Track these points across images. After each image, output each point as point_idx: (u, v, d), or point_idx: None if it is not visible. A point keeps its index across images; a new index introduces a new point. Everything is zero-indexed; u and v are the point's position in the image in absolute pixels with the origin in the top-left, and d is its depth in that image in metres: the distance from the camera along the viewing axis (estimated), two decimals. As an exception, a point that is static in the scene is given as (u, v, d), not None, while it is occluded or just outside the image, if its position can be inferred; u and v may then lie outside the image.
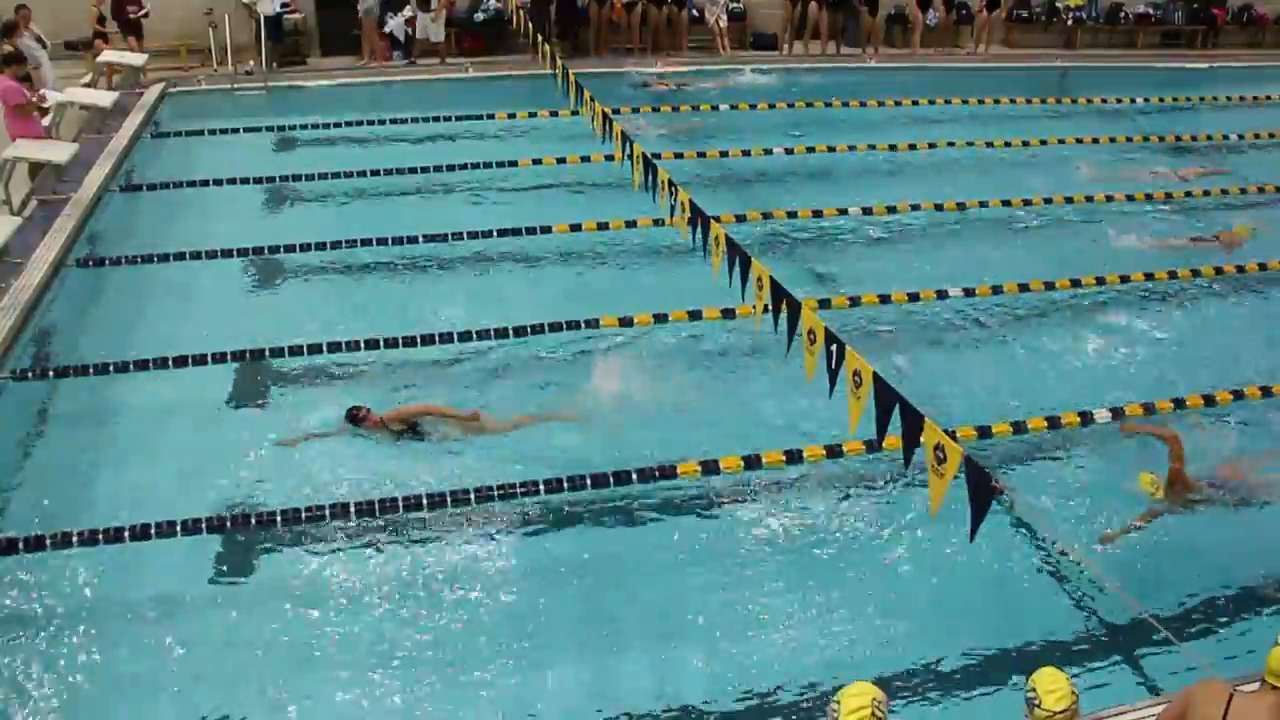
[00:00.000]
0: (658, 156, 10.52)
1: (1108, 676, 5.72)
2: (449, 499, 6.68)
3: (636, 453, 7.25)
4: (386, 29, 17.33)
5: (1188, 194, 12.78)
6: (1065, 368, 9.01)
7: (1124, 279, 10.32)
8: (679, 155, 12.91)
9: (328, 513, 6.55)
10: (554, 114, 13.66)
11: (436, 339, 8.67)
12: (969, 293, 9.79)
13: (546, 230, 10.72)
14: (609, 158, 11.27)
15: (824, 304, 9.37)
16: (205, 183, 11.83)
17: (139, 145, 13.18)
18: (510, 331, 8.77)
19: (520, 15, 16.00)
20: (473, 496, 6.70)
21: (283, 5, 17.26)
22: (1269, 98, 17.48)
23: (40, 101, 11.98)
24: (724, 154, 13.39)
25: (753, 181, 12.90)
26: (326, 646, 5.83)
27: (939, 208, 11.92)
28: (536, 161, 12.56)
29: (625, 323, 8.93)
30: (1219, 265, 10.70)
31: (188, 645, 5.81)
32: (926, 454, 4.84)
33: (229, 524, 6.55)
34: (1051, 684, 3.97)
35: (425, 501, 6.66)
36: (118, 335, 8.85)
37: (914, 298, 9.67)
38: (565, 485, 6.83)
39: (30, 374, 8.11)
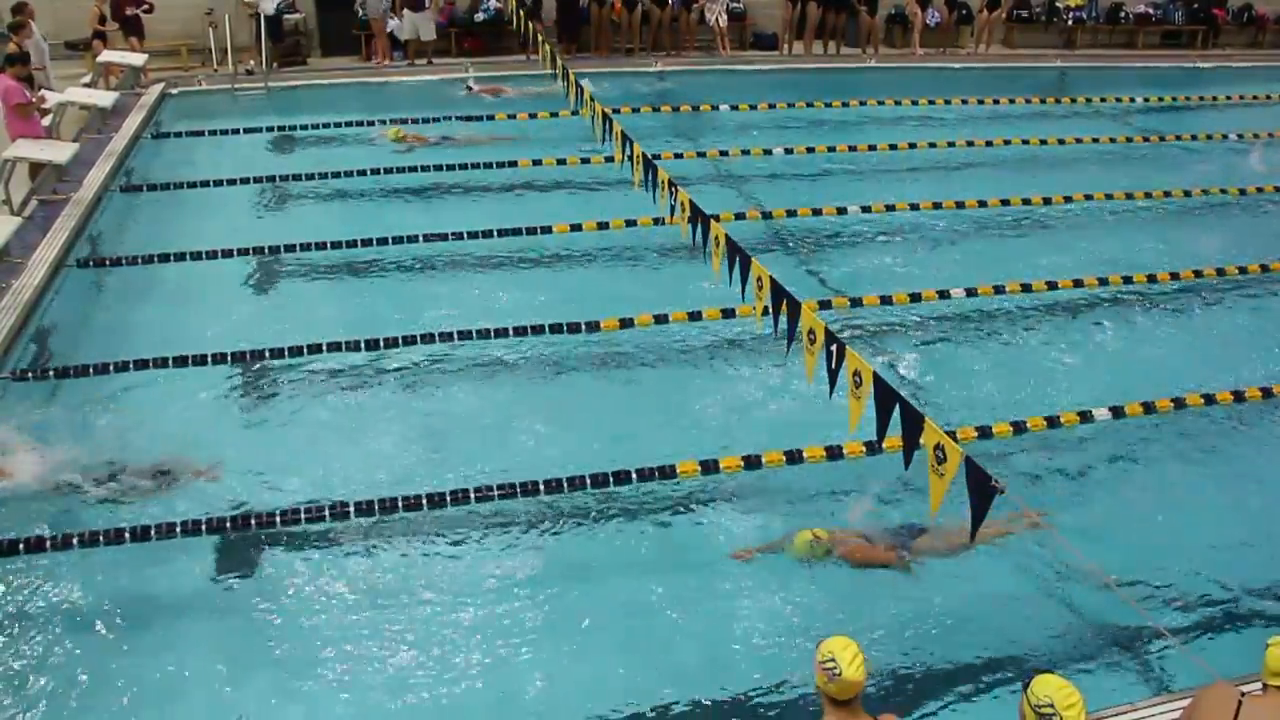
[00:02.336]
0: (658, 156, 10.53)
1: (1108, 676, 5.72)
2: (448, 499, 6.68)
3: (636, 453, 7.26)
4: (388, 29, 17.36)
5: (1186, 194, 12.78)
6: (1066, 368, 9.00)
7: (1127, 279, 10.33)
8: (679, 155, 12.93)
9: (328, 513, 6.55)
10: (554, 114, 13.67)
11: (437, 339, 8.67)
12: (970, 293, 9.79)
13: (547, 230, 10.73)
14: (609, 158, 11.28)
15: (824, 304, 9.39)
16: (206, 183, 11.85)
17: (139, 145, 13.21)
18: (510, 332, 8.78)
19: (520, 15, 16.01)
20: (473, 496, 6.71)
21: (284, 5, 17.25)
22: (1269, 97, 17.51)
23: (40, 102, 11.99)
24: (724, 154, 13.41)
25: (753, 181, 12.91)
26: (325, 648, 5.82)
27: (939, 207, 11.94)
28: (536, 162, 12.58)
29: (625, 324, 8.93)
30: (1220, 266, 10.70)
31: (188, 647, 5.80)
32: (926, 454, 4.84)
33: (229, 524, 6.55)
34: (1067, 697, 3.77)
35: (425, 502, 6.66)
36: (118, 335, 8.85)
37: (915, 298, 9.67)
38: (565, 486, 6.83)
39: (30, 374, 8.11)
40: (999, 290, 9.90)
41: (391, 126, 13.84)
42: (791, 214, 11.61)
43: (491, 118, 14.42)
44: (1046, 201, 12.30)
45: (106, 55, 15.40)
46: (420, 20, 17.03)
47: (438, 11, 17.49)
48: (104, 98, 13.70)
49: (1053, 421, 7.80)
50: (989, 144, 14.07)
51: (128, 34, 16.26)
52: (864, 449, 7.11)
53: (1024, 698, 3.86)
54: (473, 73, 16.52)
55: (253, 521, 6.54)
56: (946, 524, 6.26)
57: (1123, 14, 21.06)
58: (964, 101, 16.07)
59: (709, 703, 5.51)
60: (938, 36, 19.64)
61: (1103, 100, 16.70)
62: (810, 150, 13.55)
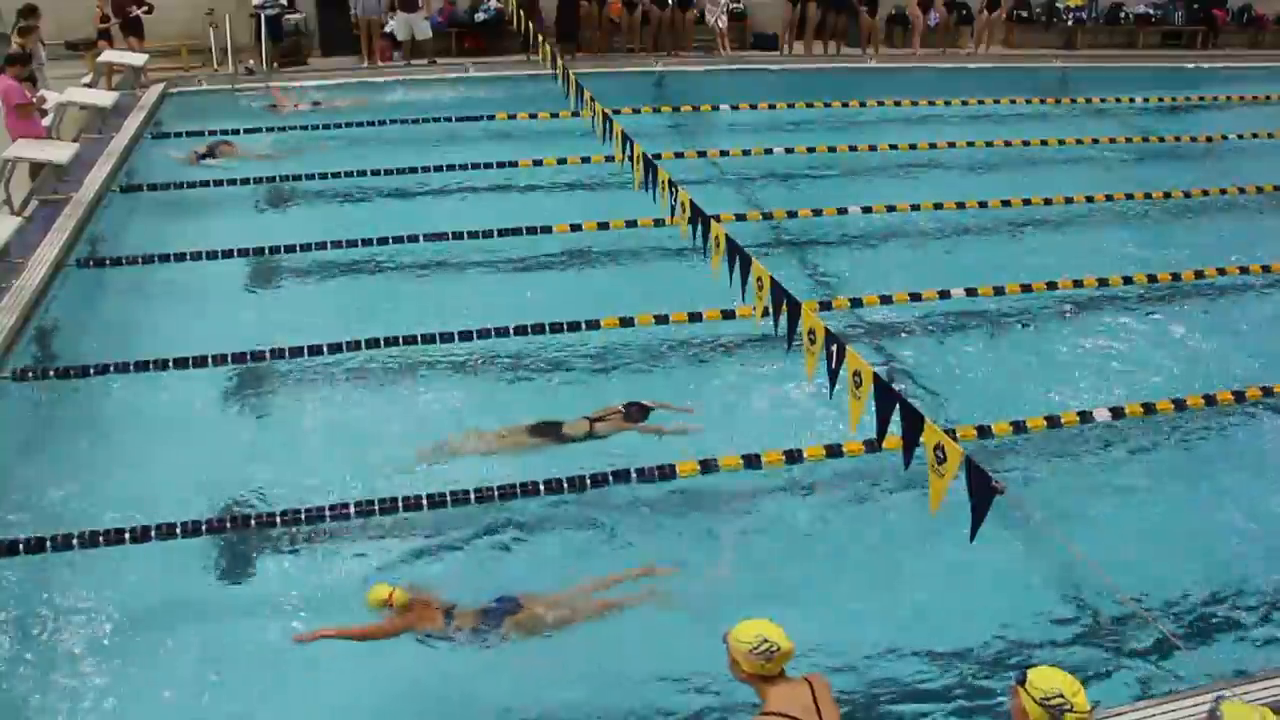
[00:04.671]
0: (658, 156, 10.53)
1: (1107, 676, 5.72)
2: (449, 500, 6.68)
3: (636, 452, 7.26)
4: (386, 29, 17.35)
5: (1186, 194, 12.78)
6: (1066, 368, 9.00)
7: (1127, 280, 10.32)
8: (679, 155, 12.93)
9: (328, 513, 6.55)
10: (554, 115, 13.66)
11: (437, 339, 8.67)
12: (970, 293, 9.79)
13: (547, 230, 10.73)
14: (609, 158, 11.28)
15: (824, 304, 9.39)
16: (205, 183, 11.85)
17: (140, 145, 13.20)
18: (511, 331, 8.78)
19: (520, 15, 16.01)
20: (472, 497, 6.71)
21: (279, 5, 17.21)
22: (1269, 98, 17.50)
23: (41, 102, 11.99)
24: (724, 154, 13.41)
25: (753, 181, 12.91)
26: (325, 647, 5.82)
27: (939, 207, 11.93)
28: (537, 162, 12.58)
29: (626, 323, 8.94)
30: (1222, 266, 10.70)
31: (188, 647, 5.80)
32: (926, 454, 4.84)
33: (229, 525, 6.55)
34: (1072, 684, 3.79)
35: (425, 502, 6.67)
36: (118, 335, 8.85)
37: (915, 298, 9.67)
38: (565, 486, 6.83)
39: (31, 374, 8.11)
40: (999, 290, 9.90)
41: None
42: (791, 214, 11.61)
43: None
44: (1047, 201, 12.29)
45: (107, 55, 15.41)
46: (414, 20, 17.02)
47: (431, 11, 17.45)
48: (104, 98, 13.70)
49: (1053, 421, 7.80)
50: (989, 144, 14.08)
51: (128, 34, 16.27)
52: (864, 448, 7.13)
53: (1022, 695, 3.83)
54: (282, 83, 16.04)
55: (253, 521, 6.54)
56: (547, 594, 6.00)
57: (1123, 14, 21.06)
58: (964, 102, 16.07)
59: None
60: (938, 37, 19.64)
61: (1103, 100, 16.70)
62: (810, 150, 13.55)
